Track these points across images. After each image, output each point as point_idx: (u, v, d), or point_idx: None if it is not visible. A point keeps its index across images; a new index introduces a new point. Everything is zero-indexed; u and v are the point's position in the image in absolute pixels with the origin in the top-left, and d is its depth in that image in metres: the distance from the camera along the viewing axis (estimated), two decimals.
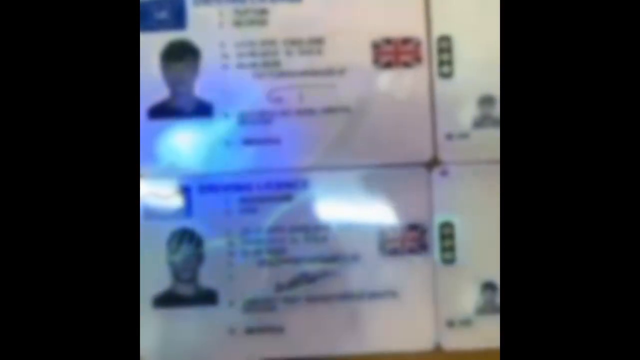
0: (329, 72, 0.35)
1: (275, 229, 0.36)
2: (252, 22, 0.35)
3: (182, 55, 0.35)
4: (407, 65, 0.35)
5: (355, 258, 0.36)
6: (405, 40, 0.35)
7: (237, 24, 0.35)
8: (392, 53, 0.35)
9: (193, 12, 0.35)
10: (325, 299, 0.36)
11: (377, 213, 0.36)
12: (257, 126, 0.35)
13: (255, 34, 0.35)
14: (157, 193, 0.35)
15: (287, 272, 0.36)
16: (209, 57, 0.35)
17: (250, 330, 0.36)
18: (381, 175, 0.36)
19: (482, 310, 0.36)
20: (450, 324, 0.36)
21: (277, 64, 0.35)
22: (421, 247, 0.36)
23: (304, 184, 0.36)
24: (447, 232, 0.36)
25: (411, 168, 0.36)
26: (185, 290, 0.36)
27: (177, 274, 0.36)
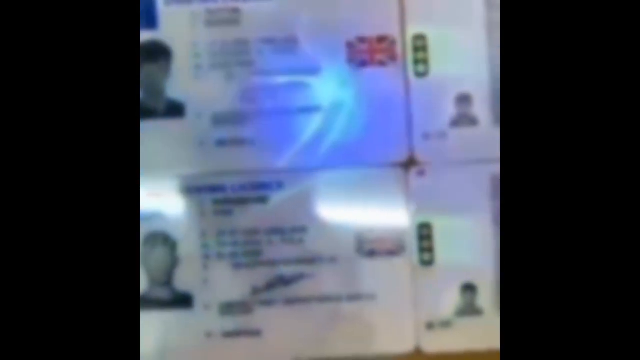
0: (304, 71, 0.35)
1: (250, 231, 0.35)
2: (224, 22, 0.35)
3: (153, 56, 0.35)
4: (382, 64, 0.35)
5: (332, 260, 0.35)
6: (380, 39, 0.35)
7: (209, 23, 0.35)
8: (367, 52, 0.35)
9: (164, 12, 0.35)
10: (303, 301, 0.35)
11: (354, 214, 0.35)
12: (231, 127, 0.35)
13: (228, 33, 0.35)
14: None
15: (264, 274, 0.35)
16: (181, 57, 0.35)
17: (227, 334, 0.35)
18: (358, 175, 0.35)
19: (462, 311, 0.35)
20: (430, 326, 0.35)
21: (250, 63, 0.35)
22: (399, 248, 0.35)
23: (279, 185, 0.35)
24: (425, 233, 0.35)
25: (388, 168, 0.35)
26: (161, 293, 0.35)
27: (152, 277, 0.35)
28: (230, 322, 0.35)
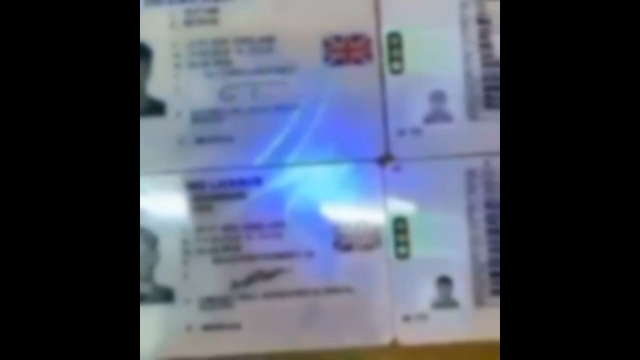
0: (281, 69, 0.36)
1: (230, 226, 0.36)
2: (203, 22, 0.36)
3: None
4: (357, 62, 0.36)
5: (310, 254, 0.36)
6: (356, 37, 0.36)
7: (188, 23, 0.36)
8: (343, 50, 0.36)
9: (144, 12, 0.35)
10: (282, 295, 0.36)
11: (331, 209, 0.36)
12: (210, 124, 0.36)
13: (206, 33, 0.36)
14: None
15: (243, 269, 0.36)
16: (161, 57, 0.35)
17: (207, 327, 0.36)
18: (334, 171, 0.36)
19: (438, 304, 0.36)
20: (407, 318, 0.36)
21: (228, 62, 0.36)
22: (375, 242, 0.36)
23: (257, 182, 0.36)
24: (401, 227, 0.36)
25: (364, 164, 0.36)
26: (142, 288, 0.36)
27: None
28: (211, 316, 0.36)
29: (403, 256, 0.36)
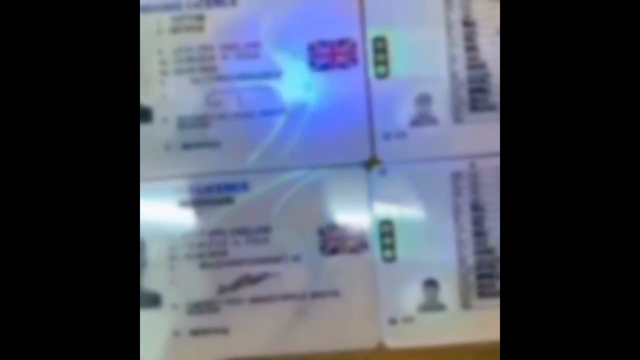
0: (266, 75, 0.36)
1: (216, 231, 0.36)
2: (189, 29, 0.36)
3: None
4: (343, 66, 0.36)
5: (296, 258, 0.36)
6: (341, 42, 0.36)
7: (175, 30, 0.36)
8: (329, 55, 0.36)
9: None
10: (269, 299, 0.36)
11: (317, 213, 0.36)
12: (196, 130, 0.36)
13: (193, 40, 0.36)
14: None
15: (230, 274, 0.36)
16: (148, 64, 0.36)
17: (194, 332, 0.36)
18: (320, 175, 0.36)
19: (425, 307, 0.36)
20: (393, 321, 0.36)
21: (214, 68, 0.36)
22: (362, 245, 0.36)
23: (244, 187, 0.36)
24: (387, 230, 0.36)
25: (350, 168, 0.36)
26: None
27: None
28: (198, 321, 0.36)
29: (389, 259, 0.36)
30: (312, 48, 0.36)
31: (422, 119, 0.36)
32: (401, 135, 0.36)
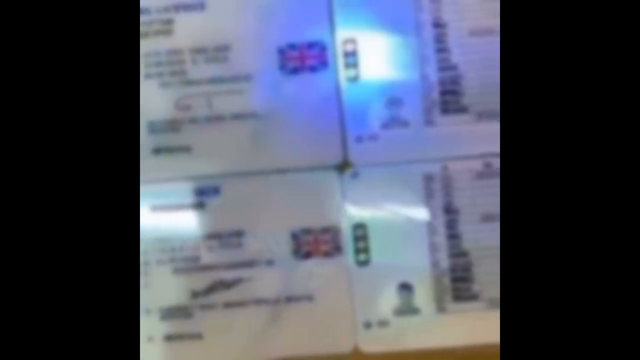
0: (236, 79, 0.36)
1: (188, 237, 0.36)
2: (158, 33, 0.36)
3: None
4: (313, 69, 0.36)
5: (269, 263, 0.36)
6: (311, 45, 0.36)
7: (144, 35, 0.36)
8: (298, 58, 0.36)
9: None
10: (242, 304, 0.36)
11: (290, 217, 0.36)
12: (166, 135, 0.36)
13: (162, 44, 0.36)
14: None
15: (203, 279, 0.36)
16: None
17: (168, 338, 0.36)
18: (293, 179, 0.36)
19: (399, 311, 0.36)
20: (368, 325, 0.36)
21: (183, 72, 0.36)
22: (335, 249, 0.36)
23: (215, 191, 0.36)
24: (361, 234, 0.36)
25: (322, 171, 0.36)
26: None
27: None
28: (172, 327, 0.36)
29: (363, 263, 0.36)
30: (281, 51, 0.36)
31: (394, 122, 0.35)
32: (373, 138, 0.36)
